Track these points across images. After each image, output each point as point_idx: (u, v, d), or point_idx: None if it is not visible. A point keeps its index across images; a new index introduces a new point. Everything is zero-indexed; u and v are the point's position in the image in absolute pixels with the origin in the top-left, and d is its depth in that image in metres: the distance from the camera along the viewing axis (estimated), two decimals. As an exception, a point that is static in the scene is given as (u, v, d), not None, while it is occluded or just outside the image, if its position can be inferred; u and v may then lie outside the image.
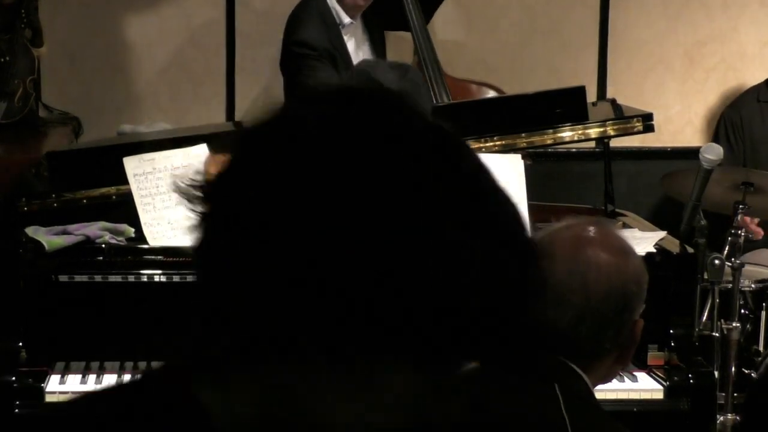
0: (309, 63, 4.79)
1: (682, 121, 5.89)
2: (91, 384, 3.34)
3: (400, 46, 5.46)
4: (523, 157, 3.78)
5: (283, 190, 1.06)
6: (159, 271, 3.46)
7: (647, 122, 4.09)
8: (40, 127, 5.11)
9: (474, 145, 3.89)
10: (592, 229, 2.14)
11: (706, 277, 3.67)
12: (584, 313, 2.06)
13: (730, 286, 3.90)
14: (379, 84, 2.35)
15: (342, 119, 1.09)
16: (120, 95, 5.59)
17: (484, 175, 1.11)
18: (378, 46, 5.14)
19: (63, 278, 3.42)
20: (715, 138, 5.51)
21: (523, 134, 3.95)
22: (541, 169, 5.21)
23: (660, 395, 3.47)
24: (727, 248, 4.00)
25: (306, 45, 4.84)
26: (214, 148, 3.59)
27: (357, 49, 5.05)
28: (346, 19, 4.97)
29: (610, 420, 2.09)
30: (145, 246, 3.50)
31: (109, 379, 3.37)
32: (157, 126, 5.00)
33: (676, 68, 5.87)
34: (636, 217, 4.19)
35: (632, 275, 2.10)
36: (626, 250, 2.12)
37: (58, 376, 3.38)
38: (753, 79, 5.75)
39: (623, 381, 3.49)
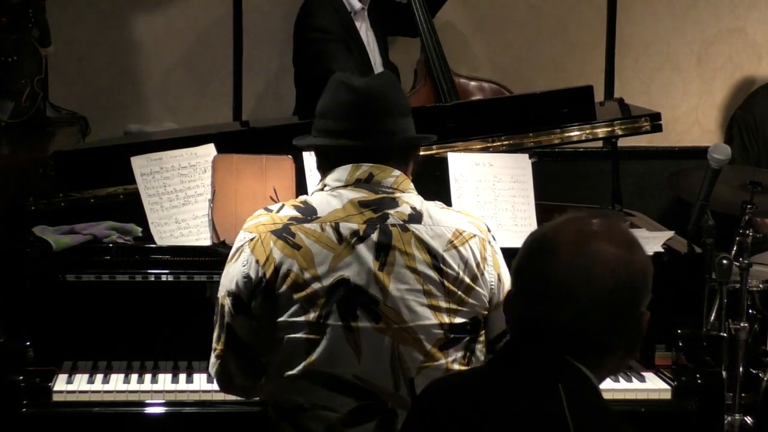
0: (326, 48, 4.82)
1: (689, 121, 5.88)
2: (99, 384, 3.34)
3: (407, 45, 5.47)
4: (529, 156, 3.78)
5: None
6: (166, 271, 3.46)
7: (655, 122, 4.08)
8: (48, 126, 5.11)
9: (481, 144, 3.89)
10: (596, 222, 2.09)
11: (713, 276, 3.65)
12: (591, 308, 2.03)
13: (737, 286, 3.89)
14: None
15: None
16: (127, 95, 5.59)
17: None
18: (381, 41, 5.15)
19: (70, 278, 3.42)
20: (728, 140, 5.48)
21: (530, 134, 3.95)
22: (549, 169, 5.21)
23: (668, 395, 3.46)
24: (735, 248, 4.00)
25: (322, 30, 4.87)
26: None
27: (367, 36, 5.06)
28: (357, 5, 5.00)
29: (618, 422, 2.06)
30: (153, 245, 3.50)
31: (117, 379, 3.37)
32: (164, 125, 5.00)
33: (683, 68, 5.86)
34: (643, 217, 4.19)
35: (638, 268, 2.07)
36: (631, 243, 2.08)
37: (66, 376, 3.37)
38: (761, 78, 5.74)
39: (631, 381, 3.49)
